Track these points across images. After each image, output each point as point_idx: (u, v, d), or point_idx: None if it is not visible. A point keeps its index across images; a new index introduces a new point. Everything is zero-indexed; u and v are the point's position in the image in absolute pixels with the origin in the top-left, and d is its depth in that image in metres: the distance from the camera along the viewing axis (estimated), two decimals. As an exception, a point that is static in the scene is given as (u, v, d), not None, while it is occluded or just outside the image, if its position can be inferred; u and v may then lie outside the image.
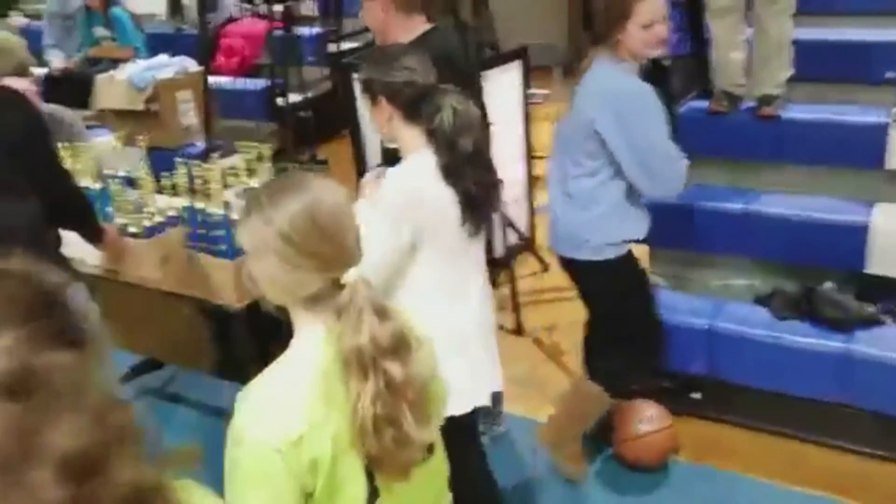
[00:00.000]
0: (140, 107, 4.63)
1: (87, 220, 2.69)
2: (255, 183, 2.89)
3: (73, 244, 2.95)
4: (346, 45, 5.49)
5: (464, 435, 2.08)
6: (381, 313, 1.23)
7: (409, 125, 1.96)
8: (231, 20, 5.78)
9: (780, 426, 2.99)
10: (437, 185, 1.92)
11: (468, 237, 1.98)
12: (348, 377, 1.20)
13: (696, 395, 3.03)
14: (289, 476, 1.19)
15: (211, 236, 2.69)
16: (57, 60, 5.76)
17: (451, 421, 1.62)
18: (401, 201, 1.93)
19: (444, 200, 1.92)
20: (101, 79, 4.88)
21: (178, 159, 2.98)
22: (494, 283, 4.13)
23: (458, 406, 1.87)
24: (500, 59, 4.35)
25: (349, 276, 1.24)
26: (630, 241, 2.62)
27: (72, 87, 5.52)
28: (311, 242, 1.22)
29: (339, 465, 1.22)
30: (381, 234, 1.87)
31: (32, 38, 6.47)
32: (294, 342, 1.28)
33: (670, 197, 2.64)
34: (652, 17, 2.44)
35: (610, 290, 2.68)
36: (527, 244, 4.47)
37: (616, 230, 2.58)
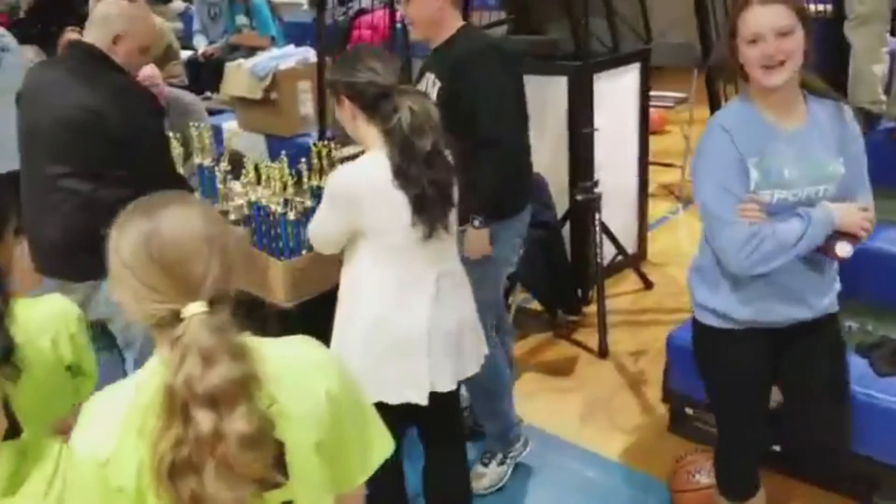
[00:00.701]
0: (258, 95, 4.78)
1: None
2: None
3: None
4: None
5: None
6: (210, 358, 1.15)
7: (370, 125, 2.03)
8: (363, 11, 5.86)
9: (859, 492, 2.65)
10: (386, 186, 1.97)
11: (421, 239, 2.01)
12: (160, 413, 1.15)
13: (776, 448, 2.73)
14: (102, 493, 1.20)
15: (271, 233, 2.72)
16: (202, 46, 6.07)
17: (381, 405, 1.83)
18: (339, 195, 2.05)
19: (393, 202, 1.98)
20: (229, 66, 5.09)
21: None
22: (585, 296, 3.97)
23: (386, 395, 2.05)
24: (616, 60, 4.11)
25: (189, 310, 1.18)
26: (728, 318, 2.07)
27: (211, 72, 5.81)
28: (147, 273, 1.19)
29: (148, 501, 1.18)
30: (321, 209, 2.13)
31: (188, 24, 6.91)
32: (147, 364, 1.27)
33: (742, 271, 1.97)
34: (756, 28, 1.88)
35: (697, 358, 2.27)
36: (628, 259, 4.22)
37: (705, 293, 2.11)
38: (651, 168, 4.87)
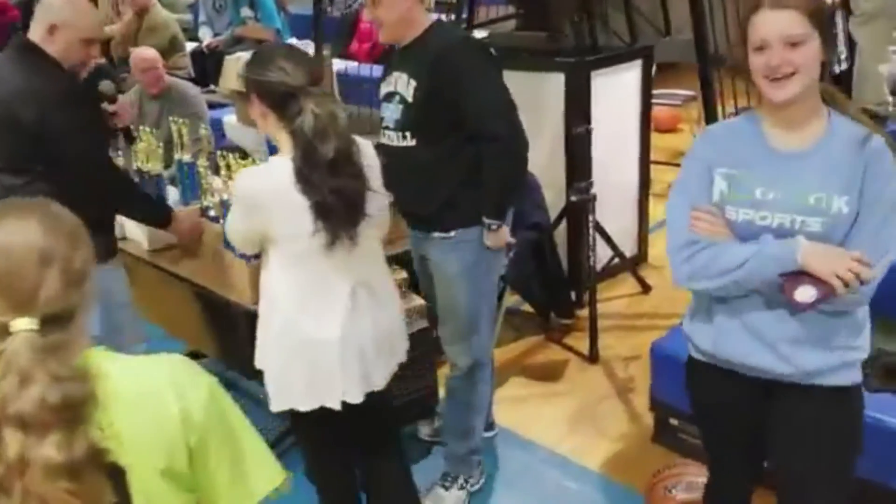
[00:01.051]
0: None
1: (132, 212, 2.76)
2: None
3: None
4: (479, 34, 5.32)
5: (303, 429, 2.26)
6: (26, 378, 1.08)
7: (279, 125, 1.98)
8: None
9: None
10: (289, 191, 1.91)
11: (325, 247, 1.95)
12: None
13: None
14: None
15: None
16: (206, 38, 6.05)
17: (294, 413, 2.09)
18: (243, 198, 2.03)
19: (296, 208, 1.92)
20: (228, 59, 5.05)
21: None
22: (579, 300, 3.87)
23: (295, 402, 2.08)
24: (616, 58, 4.00)
25: (15, 325, 1.12)
26: (694, 346, 1.91)
27: (215, 65, 5.78)
28: None
29: None
30: (231, 210, 2.12)
31: (198, 16, 6.89)
32: None
33: (679, 281, 1.82)
34: (763, 35, 1.68)
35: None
36: (625, 261, 4.12)
37: (686, 316, 1.95)
38: (659, 168, 4.79)
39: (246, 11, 5.85)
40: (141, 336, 2.84)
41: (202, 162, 3.11)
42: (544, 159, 3.96)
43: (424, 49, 2.41)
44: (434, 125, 2.39)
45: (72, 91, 2.43)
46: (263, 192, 1.96)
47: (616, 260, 4.08)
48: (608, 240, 3.93)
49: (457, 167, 2.42)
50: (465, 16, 5.32)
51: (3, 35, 5.88)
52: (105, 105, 2.74)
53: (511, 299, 3.75)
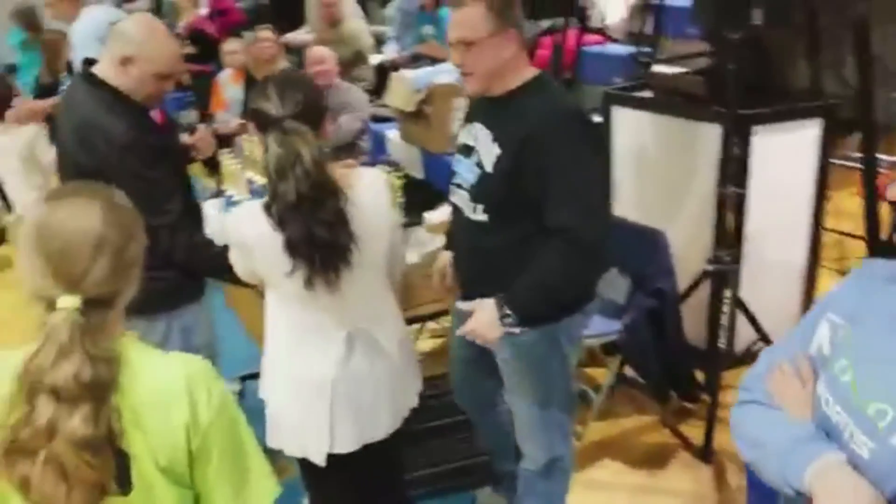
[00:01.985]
0: (410, 108, 4.68)
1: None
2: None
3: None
4: (662, 69, 4.92)
5: (305, 471, 2.13)
6: (64, 353, 1.19)
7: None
8: (550, 30, 5.55)
9: None
10: (269, 230, 1.82)
11: (303, 288, 1.84)
12: (12, 390, 1.21)
13: None
14: None
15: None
16: (390, 52, 6.12)
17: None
18: (231, 237, 1.98)
19: (277, 247, 1.82)
20: (395, 75, 5.05)
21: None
22: (710, 383, 3.40)
23: (283, 443, 2.03)
24: (788, 113, 3.48)
25: (62, 302, 1.22)
26: None
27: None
28: (30, 255, 1.25)
29: None
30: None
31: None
32: None
33: None
34: None
35: None
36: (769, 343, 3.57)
37: None
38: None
39: (427, 29, 5.86)
40: None
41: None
42: (688, 218, 3.56)
43: (518, 112, 2.06)
44: (512, 205, 2.08)
45: (127, 131, 2.18)
46: (248, 233, 1.90)
47: (760, 344, 3.55)
48: (752, 320, 3.42)
49: (531, 255, 2.07)
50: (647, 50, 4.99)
51: (226, 36, 6.35)
52: (185, 137, 2.72)
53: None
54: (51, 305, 1.23)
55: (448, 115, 4.75)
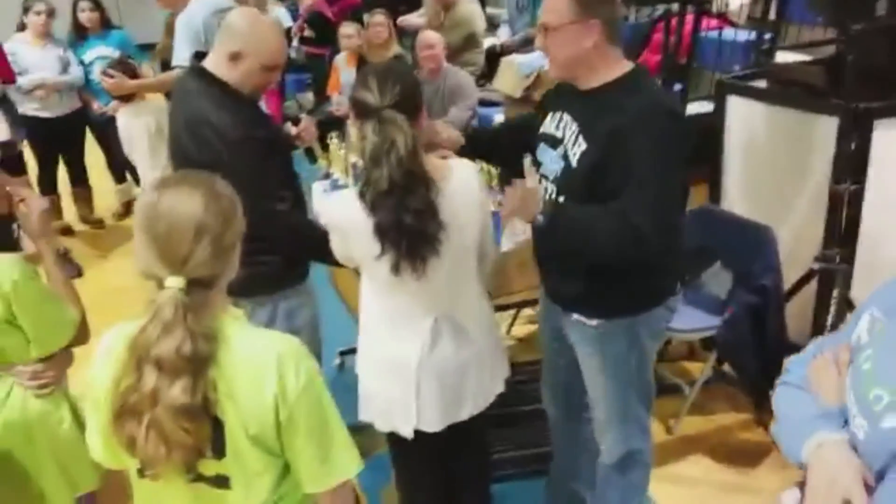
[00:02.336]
0: (518, 94, 4.70)
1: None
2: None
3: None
4: (787, 58, 4.74)
5: (392, 447, 2.29)
6: (168, 329, 1.32)
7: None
8: (667, 15, 5.41)
9: None
10: (358, 214, 1.91)
11: (390, 272, 1.92)
12: (124, 358, 1.36)
13: None
14: (90, 387, 1.48)
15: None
16: (503, 36, 6.14)
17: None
18: (328, 223, 2.08)
19: (366, 232, 1.91)
20: (505, 60, 5.08)
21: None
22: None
23: (374, 418, 2.16)
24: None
25: (169, 282, 1.35)
26: None
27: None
28: (140, 237, 1.38)
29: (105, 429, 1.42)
30: None
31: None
32: None
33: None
34: None
35: None
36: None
37: None
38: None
39: (540, 13, 5.82)
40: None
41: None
42: (799, 214, 3.45)
43: (608, 107, 2.00)
44: (596, 198, 2.01)
45: (248, 132, 2.26)
46: (342, 218, 2.00)
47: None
48: (860, 321, 3.30)
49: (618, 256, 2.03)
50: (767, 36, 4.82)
51: (343, 19, 6.53)
52: (289, 126, 2.79)
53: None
54: (159, 283, 1.36)
55: (555, 101, 4.76)
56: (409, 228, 1.87)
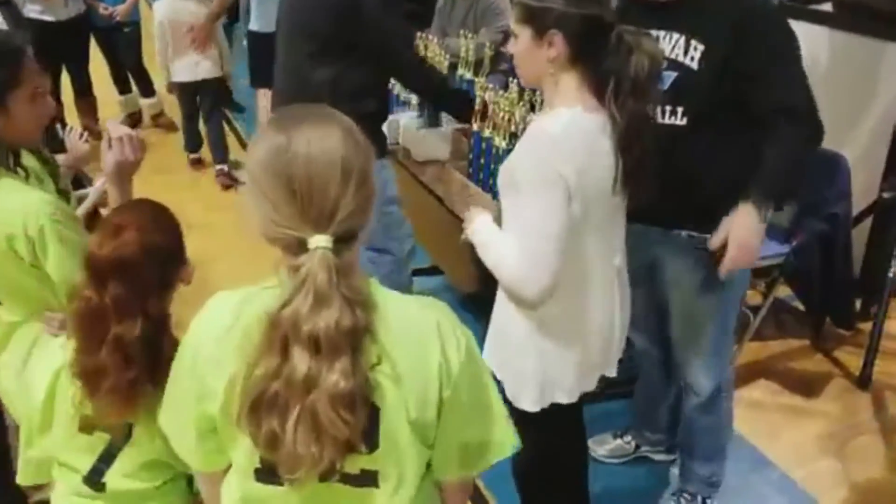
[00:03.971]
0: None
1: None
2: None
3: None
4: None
5: (557, 423, 1.98)
6: (323, 298, 1.07)
7: (572, 71, 1.71)
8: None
9: None
10: (595, 147, 1.70)
11: (617, 209, 1.82)
12: (260, 338, 1.09)
13: None
14: (190, 371, 1.20)
15: (489, 169, 2.67)
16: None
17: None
18: (545, 175, 1.66)
19: (605, 166, 1.72)
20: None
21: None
22: (866, 311, 3.42)
23: (565, 393, 1.90)
24: None
25: (314, 241, 1.09)
26: None
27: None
28: (273, 191, 1.10)
29: (230, 416, 1.14)
30: (524, 208, 1.69)
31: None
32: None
33: None
34: None
35: None
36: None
37: None
38: None
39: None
40: (409, 232, 3.00)
41: (481, 81, 3.09)
42: (864, 143, 3.50)
43: (711, 5, 2.00)
44: (717, 102, 2.02)
45: None
46: (568, 164, 1.68)
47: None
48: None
49: (732, 157, 2.04)
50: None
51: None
52: None
53: (783, 291, 3.43)
54: (299, 245, 1.10)
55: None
56: (644, 160, 1.77)
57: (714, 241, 2.03)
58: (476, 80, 3.14)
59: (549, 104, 1.77)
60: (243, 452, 1.18)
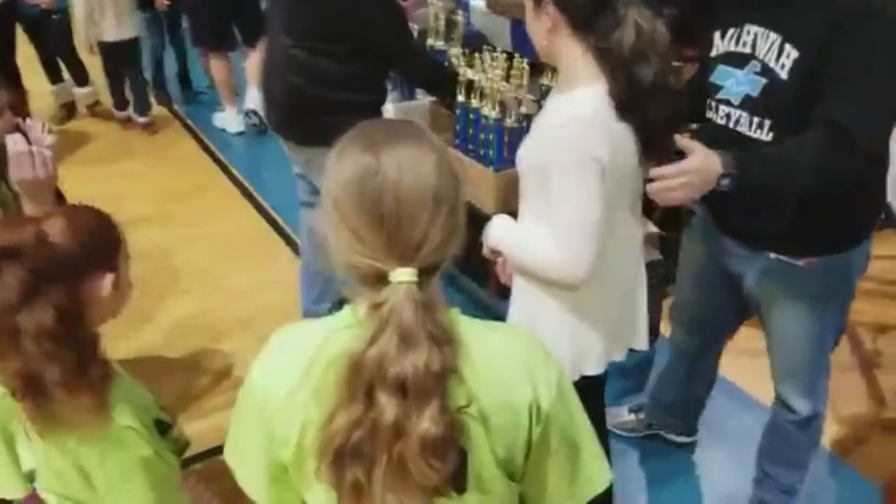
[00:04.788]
0: (509, -25, 4.62)
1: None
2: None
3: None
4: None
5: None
6: (409, 338, 0.99)
7: (576, 41, 1.68)
8: None
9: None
10: (612, 124, 1.66)
11: (643, 176, 1.76)
12: (340, 383, 1.01)
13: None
14: (263, 433, 1.11)
15: (478, 139, 2.69)
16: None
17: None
18: (582, 157, 1.62)
19: (625, 138, 1.68)
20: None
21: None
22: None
23: (595, 363, 1.89)
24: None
25: (397, 275, 1.01)
26: None
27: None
28: (357, 217, 1.02)
29: (304, 462, 1.08)
30: (569, 194, 1.64)
31: None
32: (341, 313, 1.12)
33: None
34: None
35: None
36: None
37: None
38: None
39: None
40: None
41: (454, 51, 3.07)
42: None
43: (809, 5, 1.76)
44: (806, 116, 1.76)
45: None
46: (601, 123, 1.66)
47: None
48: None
49: (818, 180, 1.79)
50: None
51: None
52: None
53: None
54: (380, 278, 1.02)
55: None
56: (661, 126, 1.72)
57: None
58: (449, 51, 3.12)
59: (564, 81, 1.74)
60: (320, 497, 1.11)
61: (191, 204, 4.58)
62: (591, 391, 1.91)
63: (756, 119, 1.86)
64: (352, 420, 1.00)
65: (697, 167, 1.65)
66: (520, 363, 1.12)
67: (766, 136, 1.84)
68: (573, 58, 1.69)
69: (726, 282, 2.21)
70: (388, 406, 0.99)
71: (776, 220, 1.94)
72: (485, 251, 1.91)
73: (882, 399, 2.94)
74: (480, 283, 3.15)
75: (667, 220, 3.57)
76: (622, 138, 1.67)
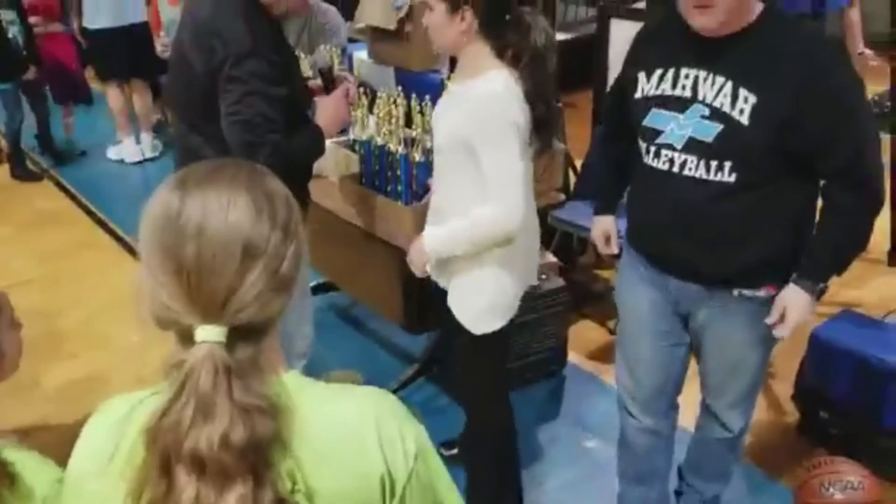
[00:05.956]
0: (392, 26, 4.73)
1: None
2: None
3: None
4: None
5: (499, 346, 2.29)
6: (207, 408, 0.88)
7: (483, 41, 2.03)
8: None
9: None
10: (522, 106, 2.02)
11: (532, 158, 2.12)
12: (142, 458, 0.90)
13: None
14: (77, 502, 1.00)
15: (386, 175, 2.72)
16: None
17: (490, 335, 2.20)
18: (506, 122, 1.99)
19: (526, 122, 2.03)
20: (370, -7, 5.05)
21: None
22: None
23: (511, 310, 2.24)
24: None
25: (202, 334, 0.90)
26: None
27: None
28: (155, 263, 0.92)
29: None
30: (498, 155, 1.99)
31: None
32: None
33: None
34: None
35: None
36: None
37: None
38: None
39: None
40: (308, 342, 2.72)
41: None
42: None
43: (770, 49, 1.79)
44: (773, 160, 1.83)
45: (258, 49, 2.14)
46: (516, 111, 2.01)
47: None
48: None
49: (784, 212, 1.91)
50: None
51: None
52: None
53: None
54: (187, 338, 0.91)
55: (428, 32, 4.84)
56: (550, 115, 2.10)
57: (771, 321, 1.97)
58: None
59: (472, 69, 2.06)
60: None
61: (73, 263, 4.42)
62: (503, 340, 2.28)
63: (714, 163, 1.85)
64: (154, 498, 0.88)
65: (796, 319, 1.95)
66: (369, 430, 0.98)
67: (728, 177, 1.85)
68: (481, 52, 2.05)
69: (680, 327, 2.17)
70: (187, 485, 0.87)
71: (738, 258, 1.95)
72: (419, 272, 2.24)
73: (780, 406, 3.09)
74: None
75: (560, 252, 3.74)
76: (525, 112, 2.02)
